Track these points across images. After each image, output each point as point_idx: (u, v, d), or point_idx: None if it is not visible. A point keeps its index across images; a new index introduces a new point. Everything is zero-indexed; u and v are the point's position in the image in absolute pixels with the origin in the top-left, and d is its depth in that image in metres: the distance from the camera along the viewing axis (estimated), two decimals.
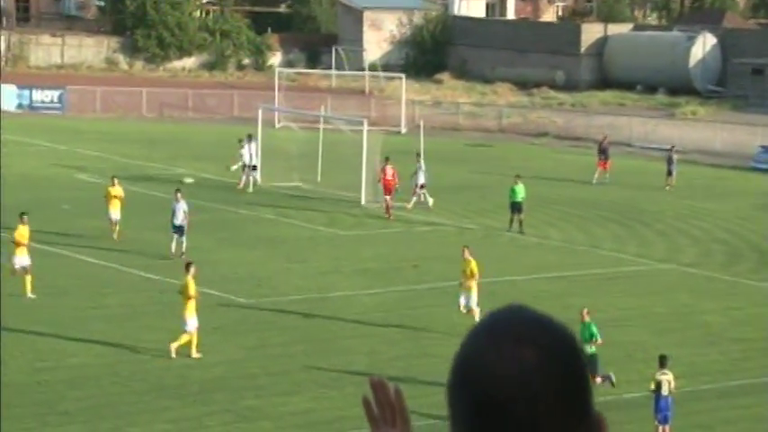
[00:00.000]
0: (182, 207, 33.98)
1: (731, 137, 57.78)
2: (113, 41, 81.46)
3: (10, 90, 65.29)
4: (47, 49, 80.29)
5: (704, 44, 74.33)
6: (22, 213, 30.89)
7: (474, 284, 27.42)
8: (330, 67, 77.99)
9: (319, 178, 45.47)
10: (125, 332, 27.12)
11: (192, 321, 25.58)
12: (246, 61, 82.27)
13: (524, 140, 60.92)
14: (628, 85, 74.18)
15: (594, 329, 23.99)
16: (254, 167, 44.52)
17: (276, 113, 58.31)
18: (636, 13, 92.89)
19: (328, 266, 33.74)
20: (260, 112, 48.79)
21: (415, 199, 41.78)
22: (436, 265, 33.74)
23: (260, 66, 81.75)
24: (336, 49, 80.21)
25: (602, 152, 48.87)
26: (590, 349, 23.41)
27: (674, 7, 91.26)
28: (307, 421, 22.51)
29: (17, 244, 29.85)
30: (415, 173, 41.90)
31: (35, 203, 40.59)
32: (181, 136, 58.46)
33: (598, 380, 23.60)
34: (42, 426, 22.01)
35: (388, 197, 40.54)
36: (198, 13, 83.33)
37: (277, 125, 58.00)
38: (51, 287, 29.67)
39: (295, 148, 47.42)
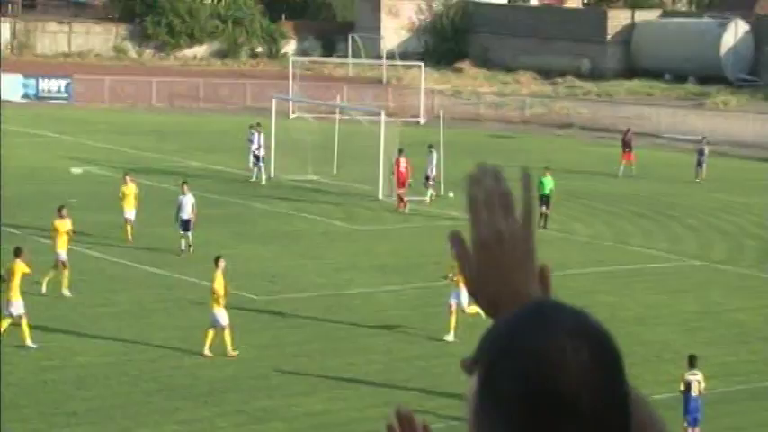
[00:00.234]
0: (189, 200, 33.99)
1: (763, 128, 57.55)
2: (122, 29, 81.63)
3: (15, 79, 65.48)
4: (53, 37, 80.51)
5: (736, 31, 74.03)
6: (61, 207, 31.13)
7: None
8: (346, 56, 77.98)
9: (335, 171, 45.47)
10: (134, 330, 27.18)
11: (222, 317, 25.62)
12: (260, 49, 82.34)
13: (548, 132, 60.80)
14: (656, 74, 73.98)
15: None
16: (260, 158, 44.44)
17: (290, 104, 58.34)
18: None
19: (344, 262, 33.74)
20: (273, 102, 48.82)
21: (431, 192, 41.78)
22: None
23: (274, 54, 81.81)
24: (353, 37, 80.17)
25: (626, 145, 48.82)
26: None
27: None
28: (322, 423, 22.51)
29: (55, 238, 30.01)
30: (429, 165, 41.90)
31: (41, 197, 40.71)
32: (192, 127, 58.55)
33: None
34: (49, 427, 22.07)
35: (401, 190, 40.56)
36: (209, 0, 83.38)
37: (291, 116, 58.01)
38: (58, 283, 29.75)
39: (310, 139, 47.43)
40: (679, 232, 39.18)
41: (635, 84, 73.03)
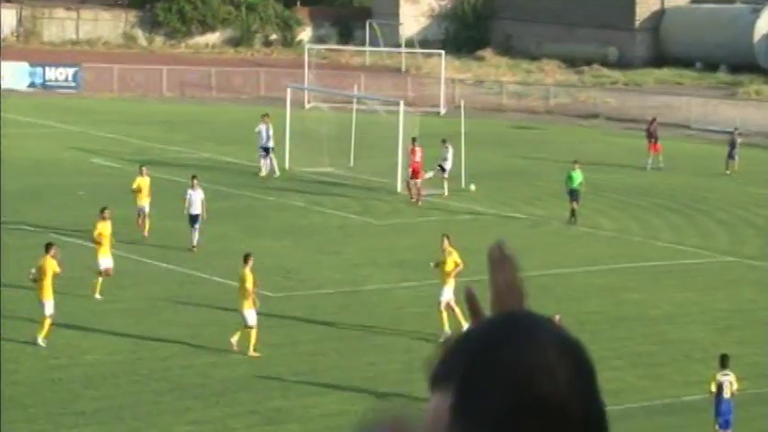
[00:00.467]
0: (199, 195, 33.98)
1: None
2: (132, 15, 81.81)
3: (22, 68, 65.71)
4: (61, 24, 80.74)
5: None
6: (104, 208, 30.23)
7: (452, 279, 27.15)
8: (364, 44, 78.00)
9: (352, 163, 45.50)
10: (144, 328, 27.26)
11: (251, 315, 25.70)
12: (274, 37, 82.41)
13: (573, 122, 60.71)
14: (686, 62, 73.76)
15: None
16: (269, 150, 44.36)
17: (306, 93, 58.38)
18: None
19: (361, 258, 33.77)
20: (288, 91, 48.86)
21: (447, 185, 41.77)
22: (478, 257, 33.67)
23: (288, 42, 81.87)
24: (370, 24, 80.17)
25: (651, 135, 48.75)
26: None
27: None
28: (338, 424, 22.53)
29: (98, 243, 29.40)
30: (444, 158, 41.85)
31: (48, 189, 40.87)
32: (203, 117, 58.66)
33: None
34: (56, 427, 22.16)
35: (418, 181, 40.55)
36: None
37: (306, 106, 58.06)
38: (65, 279, 29.82)
39: (326, 130, 47.46)
40: (710, 227, 39.08)
41: (664, 72, 72.85)
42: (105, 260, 29.53)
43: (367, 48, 76.60)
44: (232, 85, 67.48)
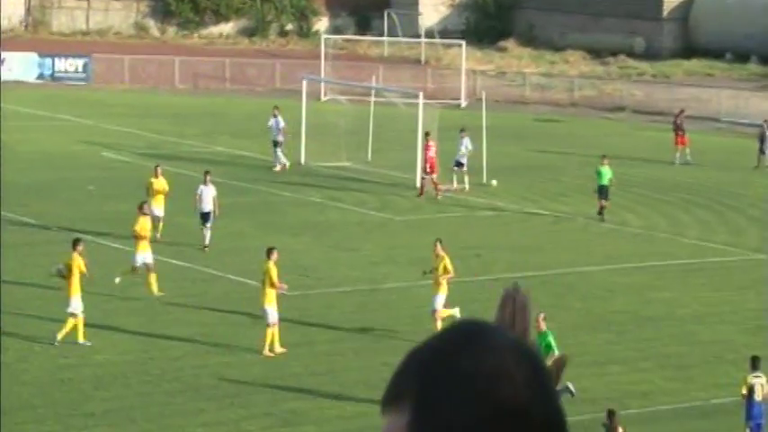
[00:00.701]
0: (211, 192, 33.91)
1: None
2: (143, 5, 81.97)
3: (30, 58, 65.92)
4: (70, 14, 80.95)
5: None
6: (143, 203, 30.63)
7: (445, 283, 27.12)
8: (382, 34, 77.96)
9: (370, 157, 45.52)
10: (155, 327, 27.33)
11: (272, 313, 25.70)
12: (290, 27, 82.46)
13: (599, 115, 60.59)
14: (716, 54, 73.52)
15: (551, 340, 22.71)
16: (277, 144, 44.37)
17: (322, 85, 58.43)
18: None
19: (381, 255, 33.79)
20: (304, 83, 48.89)
21: (467, 179, 41.72)
22: (500, 254, 33.68)
23: (304, 32, 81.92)
24: (389, 13, 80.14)
25: (678, 127, 48.66)
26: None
27: None
28: (356, 427, 22.57)
29: (138, 238, 29.60)
30: (460, 152, 41.67)
31: (58, 184, 41.01)
32: (217, 110, 58.76)
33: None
34: (66, 428, 22.25)
35: (434, 176, 40.53)
36: None
37: (323, 98, 58.11)
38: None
39: (343, 123, 47.49)
40: (740, 223, 38.97)
41: (693, 64, 72.62)
42: (144, 255, 29.54)
43: (385, 38, 76.58)
44: (246, 77, 67.57)
